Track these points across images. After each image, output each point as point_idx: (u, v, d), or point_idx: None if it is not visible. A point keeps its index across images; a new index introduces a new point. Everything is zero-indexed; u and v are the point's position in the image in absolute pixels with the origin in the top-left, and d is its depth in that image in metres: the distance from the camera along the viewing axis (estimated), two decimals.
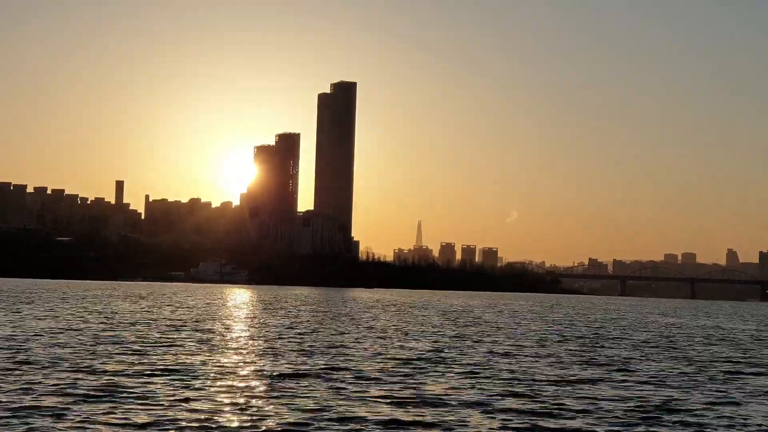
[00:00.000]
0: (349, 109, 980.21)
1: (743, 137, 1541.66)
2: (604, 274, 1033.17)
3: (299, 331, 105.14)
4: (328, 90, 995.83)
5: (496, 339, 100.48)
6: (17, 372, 54.15)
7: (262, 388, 50.72)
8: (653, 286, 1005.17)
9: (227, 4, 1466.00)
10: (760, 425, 43.85)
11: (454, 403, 47.10)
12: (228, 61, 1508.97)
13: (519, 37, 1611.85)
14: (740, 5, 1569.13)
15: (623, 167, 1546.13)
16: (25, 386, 48.09)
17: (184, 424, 38.91)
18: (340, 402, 46.26)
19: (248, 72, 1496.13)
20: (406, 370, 62.44)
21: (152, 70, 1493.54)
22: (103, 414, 40.52)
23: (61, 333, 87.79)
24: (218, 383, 52.28)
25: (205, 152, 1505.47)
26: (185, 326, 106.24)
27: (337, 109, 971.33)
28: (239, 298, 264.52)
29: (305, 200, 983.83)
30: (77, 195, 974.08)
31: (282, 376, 56.29)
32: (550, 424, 41.82)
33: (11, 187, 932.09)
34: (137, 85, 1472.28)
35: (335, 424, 40.00)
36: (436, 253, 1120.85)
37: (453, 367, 65.06)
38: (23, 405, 42.05)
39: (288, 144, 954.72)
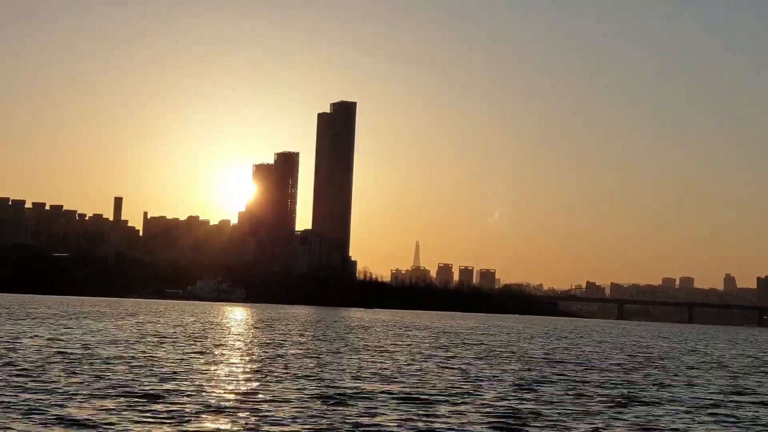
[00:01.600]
0: (349, 128, 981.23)
1: (743, 163, 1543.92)
2: (601, 298, 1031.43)
3: (283, 351, 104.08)
4: (327, 109, 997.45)
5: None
6: None
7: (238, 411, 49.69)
8: (651, 310, 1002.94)
9: (228, 23, 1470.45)
10: None
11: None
12: (228, 79, 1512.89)
13: (520, 59, 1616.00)
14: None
15: (622, 191, 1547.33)
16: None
17: None
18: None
19: (248, 90, 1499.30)
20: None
21: (152, 87, 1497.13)
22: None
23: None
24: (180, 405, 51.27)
25: (204, 170, 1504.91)
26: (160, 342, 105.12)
27: (337, 128, 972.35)
28: (232, 317, 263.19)
29: (303, 219, 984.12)
30: (75, 211, 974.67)
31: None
32: None
33: (9, 203, 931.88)
34: (137, 101, 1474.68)
35: None
36: (433, 273, 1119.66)
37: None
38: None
39: (287, 163, 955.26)
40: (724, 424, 53.20)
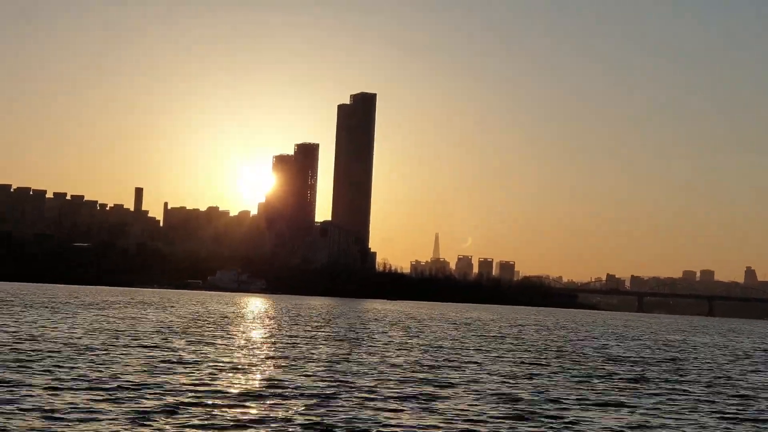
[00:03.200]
0: (369, 120, 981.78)
1: (765, 155, 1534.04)
2: (621, 290, 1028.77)
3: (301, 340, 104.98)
4: (347, 101, 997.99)
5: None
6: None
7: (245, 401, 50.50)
8: (671, 303, 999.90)
9: (248, 15, 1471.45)
10: None
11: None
12: (248, 70, 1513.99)
13: (543, 50, 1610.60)
14: None
15: (643, 183, 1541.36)
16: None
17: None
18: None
19: (268, 82, 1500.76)
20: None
21: (173, 78, 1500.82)
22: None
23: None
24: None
25: (224, 161, 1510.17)
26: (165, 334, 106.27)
27: (357, 120, 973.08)
28: (253, 307, 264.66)
29: (323, 211, 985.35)
30: (96, 201, 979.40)
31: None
32: None
33: (30, 192, 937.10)
34: (158, 93, 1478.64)
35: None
36: (453, 265, 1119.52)
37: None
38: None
39: (307, 154, 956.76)
40: None
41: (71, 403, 44.50)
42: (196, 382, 56.04)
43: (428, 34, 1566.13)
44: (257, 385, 56.31)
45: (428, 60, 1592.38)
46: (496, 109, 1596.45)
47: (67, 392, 48.39)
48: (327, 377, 62.45)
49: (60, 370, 58.90)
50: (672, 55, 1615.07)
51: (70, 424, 39.24)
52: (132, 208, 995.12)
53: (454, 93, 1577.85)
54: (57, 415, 41.12)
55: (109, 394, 48.36)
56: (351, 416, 44.52)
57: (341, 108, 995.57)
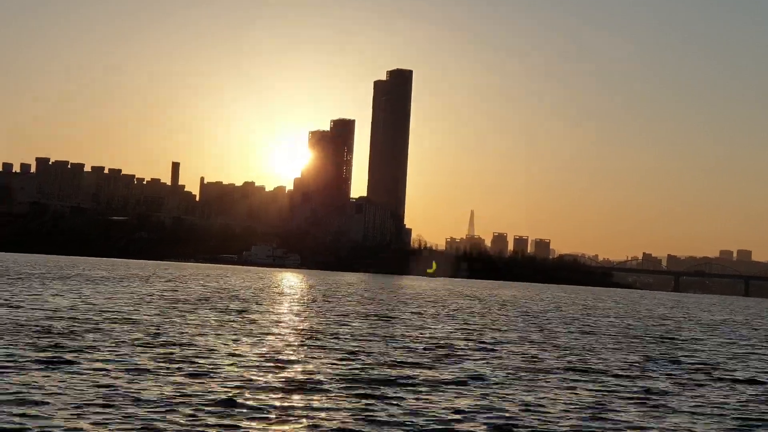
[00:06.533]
0: (405, 96, 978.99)
1: None
2: (657, 270, 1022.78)
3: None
4: (384, 77, 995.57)
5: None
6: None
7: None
8: (707, 283, 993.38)
9: None
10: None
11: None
12: (285, 46, 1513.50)
13: (579, 27, 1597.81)
14: None
15: (681, 162, 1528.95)
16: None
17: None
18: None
19: (305, 57, 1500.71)
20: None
21: (210, 53, 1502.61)
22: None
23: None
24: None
25: (259, 136, 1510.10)
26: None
27: (393, 96, 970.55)
28: (289, 282, 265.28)
29: (358, 187, 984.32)
30: (134, 175, 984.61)
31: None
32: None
33: (68, 166, 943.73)
34: (195, 68, 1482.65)
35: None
36: (488, 243, 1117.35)
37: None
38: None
39: (343, 130, 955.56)
40: None
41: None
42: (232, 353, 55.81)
43: (465, 10, 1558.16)
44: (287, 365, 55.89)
45: (465, 37, 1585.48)
46: (533, 86, 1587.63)
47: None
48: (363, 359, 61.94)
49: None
50: (708, 31, 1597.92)
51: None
52: (169, 183, 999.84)
53: (490, 70, 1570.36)
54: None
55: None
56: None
57: (377, 84, 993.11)
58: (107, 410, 35.99)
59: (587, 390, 49.83)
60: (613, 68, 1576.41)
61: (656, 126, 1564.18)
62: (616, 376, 57.75)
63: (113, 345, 57.81)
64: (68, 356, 50.79)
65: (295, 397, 41.70)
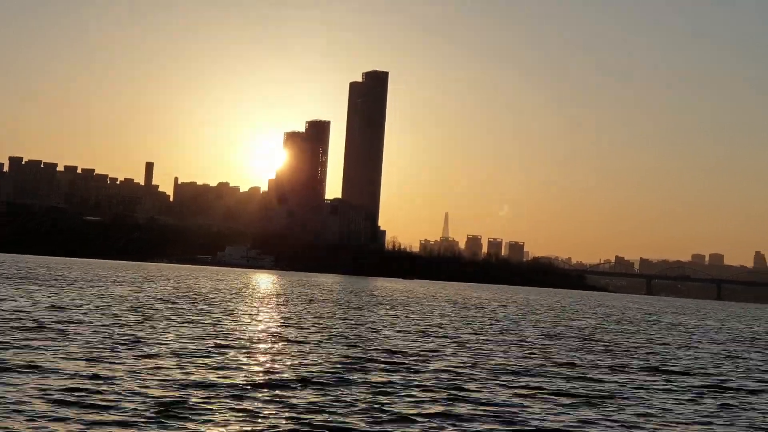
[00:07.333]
0: (381, 98, 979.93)
1: None
2: (630, 273, 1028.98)
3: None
4: (359, 79, 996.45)
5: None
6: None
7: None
8: (679, 287, 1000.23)
9: None
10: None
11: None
12: (261, 46, 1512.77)
13: (552, 30, 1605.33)
14: None
15: (653, 165, 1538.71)
16: None
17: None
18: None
19: (280, 58, 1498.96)
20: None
21: (185, 53, 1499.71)
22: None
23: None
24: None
25: (234, 136, 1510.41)
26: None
27: (369, 98, 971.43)
28: (261, 282, 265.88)
29: (333, 188, 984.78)
30: (107, 175, 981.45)
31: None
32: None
33: (42, 165, 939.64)
34: (169, 67, 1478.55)
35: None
36: (462, 245, 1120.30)
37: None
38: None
39: (318, 131, 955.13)
40: None
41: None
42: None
43: (441, 12, 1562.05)
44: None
45: (441, 39, 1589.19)
46: (508, 89, 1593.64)
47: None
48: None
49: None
50: (686, 42, 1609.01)
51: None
52: (142, 183, 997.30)
53: (466, 73, 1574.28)
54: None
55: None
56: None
57: (353, 86, 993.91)
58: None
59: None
60: (589, 71, 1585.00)
61: (630, 130, 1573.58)
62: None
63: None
64: None
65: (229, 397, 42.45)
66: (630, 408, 46.57)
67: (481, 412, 42.02)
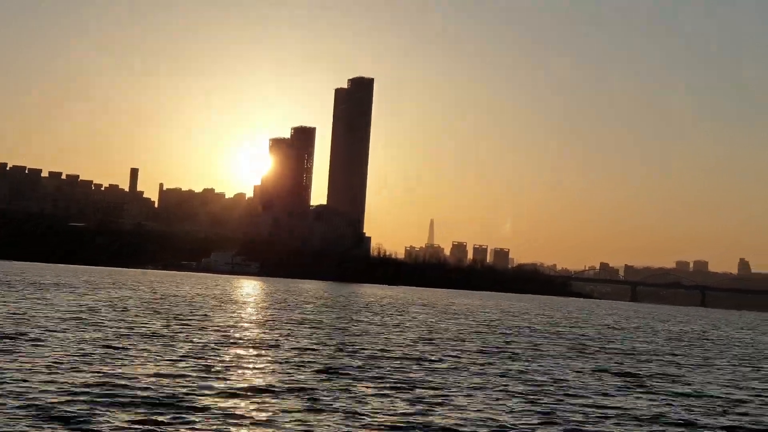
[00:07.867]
0: (366, 104, 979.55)
1: (759, 147, 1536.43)
2: (615, 279, 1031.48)
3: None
4: (345, 85, 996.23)
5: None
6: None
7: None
8: (663, 293, 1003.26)
9: None
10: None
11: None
12: (246, 52, 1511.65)
13: (539, 37, 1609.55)
14: None
15: (637, 172, 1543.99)
16: None
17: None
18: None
19: (266, 64, 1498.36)
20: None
21: (170, 59, 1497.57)
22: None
23: None
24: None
25: (220, 142, 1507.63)
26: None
27: (354, 104, 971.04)
28: (245, 289, 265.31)
29: (318, 194, 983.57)
30: (91, 181, 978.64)
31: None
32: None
33: (26, 171, 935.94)
34: (154, 73, 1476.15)
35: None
36: (447, 252, 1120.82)
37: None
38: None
39: (303, 137, 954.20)
40: None
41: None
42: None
43: (426, 19, 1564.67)
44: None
45: (426, 46, 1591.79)
46: (493, 95, 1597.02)
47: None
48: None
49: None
50: (666, 49, 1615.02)
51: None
52: (127, 189, 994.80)
53: (451, 79, 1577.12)
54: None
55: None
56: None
57: (338, 92, 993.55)
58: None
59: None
60: (574, 80, 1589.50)
61: (615, 138, 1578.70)
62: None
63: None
64: None
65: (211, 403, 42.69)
66: None
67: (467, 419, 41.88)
